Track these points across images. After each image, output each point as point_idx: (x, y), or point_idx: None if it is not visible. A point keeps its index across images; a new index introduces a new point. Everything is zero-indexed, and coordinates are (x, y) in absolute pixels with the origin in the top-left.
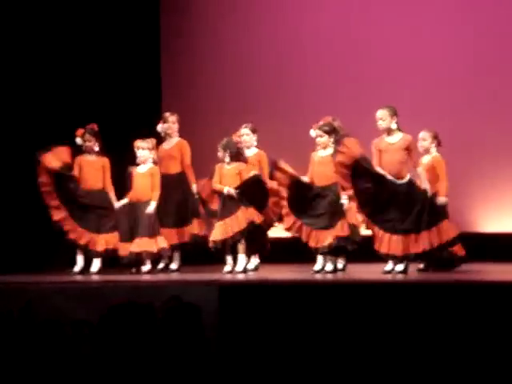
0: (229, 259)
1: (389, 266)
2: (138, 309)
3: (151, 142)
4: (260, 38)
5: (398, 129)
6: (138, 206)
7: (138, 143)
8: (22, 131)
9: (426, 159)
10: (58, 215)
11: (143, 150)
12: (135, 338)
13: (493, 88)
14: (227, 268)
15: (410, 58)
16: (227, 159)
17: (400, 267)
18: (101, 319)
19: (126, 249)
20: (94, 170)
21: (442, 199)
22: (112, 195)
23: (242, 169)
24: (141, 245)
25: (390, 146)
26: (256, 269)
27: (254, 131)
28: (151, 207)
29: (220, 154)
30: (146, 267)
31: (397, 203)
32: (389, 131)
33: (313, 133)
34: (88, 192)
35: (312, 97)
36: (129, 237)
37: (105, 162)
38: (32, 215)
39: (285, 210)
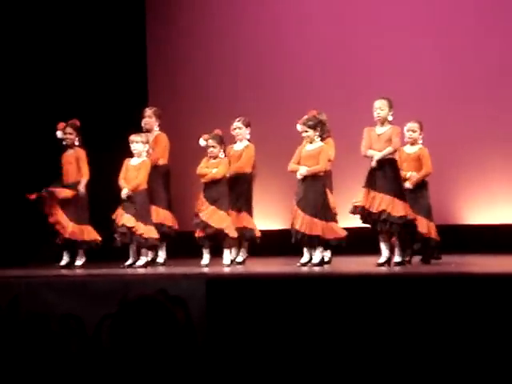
0: (205, 252)
1: (382, 258)
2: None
3: (145, 135)
4: (246, 33)
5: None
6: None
7: (132, 137)
8: (8, 128)
9: (411, 149)
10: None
11: (137, 143)
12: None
13: (480, 79)
14: (205, 261)
15: (397, 49)
16: (222, 154)
17: (397, 258)
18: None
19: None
20: (71, 164)
21: (408, 184)
22: (82, 183)
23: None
24: (130, 221)
25: (378, 136)
26: (243, 262)
27: (246, 125)
28: (122, 192)
29: (216, 149)
30: (142, 261)
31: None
32: (383, 122)
33: (299, 127)
34: (67, 186)
35: (298, 89)
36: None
37: (79, 152)
38: (18, 211)
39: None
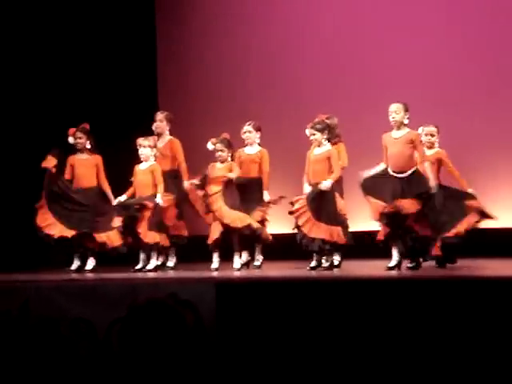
0: (215, 256)
1: (392, 262)
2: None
3: (153, 139)
4: (257, 34)
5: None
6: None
7: (140, 141)
8: (18, 131)
9: (428, 153)
10: (42, 221)
11: (145, 147)
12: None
13: (492, 83)
14: (214, 265)
15: (409, 53)
16: (229, 158)
17: (410, 263)
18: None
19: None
20: (87, 169)
21: (473, 191)
22: (109, 192)
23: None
24: (150, 237)
25: (395, 140)
26: (260, 266)
27: (257, 129)
28: (158, 199)
29: (224, 153)
30: (151, 265)
31: (399, 195)
32: (399, 125)
33: (307, 131)
34: (83, 190)
35: (310, 94)
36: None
37: (98, 159)
38: (28, 215)
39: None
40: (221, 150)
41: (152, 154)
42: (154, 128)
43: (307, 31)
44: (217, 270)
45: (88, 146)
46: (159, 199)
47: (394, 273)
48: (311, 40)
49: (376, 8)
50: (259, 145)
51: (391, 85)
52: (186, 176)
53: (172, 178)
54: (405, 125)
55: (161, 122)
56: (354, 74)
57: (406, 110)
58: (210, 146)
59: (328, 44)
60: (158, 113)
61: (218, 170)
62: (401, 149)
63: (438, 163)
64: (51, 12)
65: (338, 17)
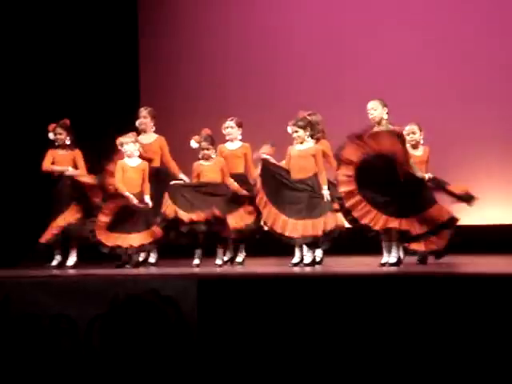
0: (197, 252)
1: (384, 258)
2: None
3: (133, 134)
4: (237, 34)
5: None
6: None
7: (121, 139)
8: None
9: (418, 152)
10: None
11: (127, 144)
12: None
13: (476, 78)
14: (196, 261)
15: (395, 49)
16: (214, 155)
17: (393, 259)
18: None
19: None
20: (67, 163)
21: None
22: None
23: (223, 164)
24: (140, 239)
25: None
26: (243, 262)
27: (239, 125)
28: (148, 200)
29: (209, 151)
30: (133, 261)
31: (389, 189)
32: (380, 122)
33: (289, 129)
34: (67, 185)
35: (290, 90)
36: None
37: (76, 153)
38: (7, 212)
39: (262, 201)
40: (206, 149)
41: (136, 149)
42: (137, 124)
43: (287, 29)
44: (198, 266)
45: (68, 142)
46: (148, 200)
47: (377, 269)
48: (290, 38)
49: (358, 3)
50: (240, 141)
51: (374, 80)
52: (178, 172)
53: (158, 175)
54: (386, 120)
55: (145, 119)
56: (338, 71)
57: (384, 105)
58: (193, 144)
59: (310, 41)
60: (142, 109)
61: (206, 167)
62: None
63: (427, 160)
64: (32, 9)
65: (317, 14)
